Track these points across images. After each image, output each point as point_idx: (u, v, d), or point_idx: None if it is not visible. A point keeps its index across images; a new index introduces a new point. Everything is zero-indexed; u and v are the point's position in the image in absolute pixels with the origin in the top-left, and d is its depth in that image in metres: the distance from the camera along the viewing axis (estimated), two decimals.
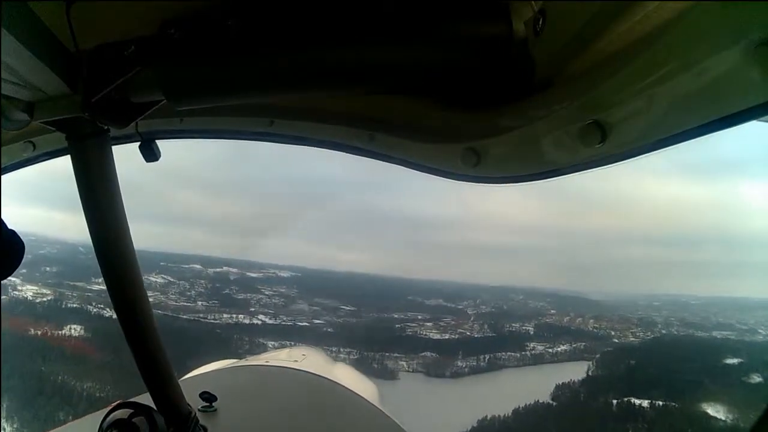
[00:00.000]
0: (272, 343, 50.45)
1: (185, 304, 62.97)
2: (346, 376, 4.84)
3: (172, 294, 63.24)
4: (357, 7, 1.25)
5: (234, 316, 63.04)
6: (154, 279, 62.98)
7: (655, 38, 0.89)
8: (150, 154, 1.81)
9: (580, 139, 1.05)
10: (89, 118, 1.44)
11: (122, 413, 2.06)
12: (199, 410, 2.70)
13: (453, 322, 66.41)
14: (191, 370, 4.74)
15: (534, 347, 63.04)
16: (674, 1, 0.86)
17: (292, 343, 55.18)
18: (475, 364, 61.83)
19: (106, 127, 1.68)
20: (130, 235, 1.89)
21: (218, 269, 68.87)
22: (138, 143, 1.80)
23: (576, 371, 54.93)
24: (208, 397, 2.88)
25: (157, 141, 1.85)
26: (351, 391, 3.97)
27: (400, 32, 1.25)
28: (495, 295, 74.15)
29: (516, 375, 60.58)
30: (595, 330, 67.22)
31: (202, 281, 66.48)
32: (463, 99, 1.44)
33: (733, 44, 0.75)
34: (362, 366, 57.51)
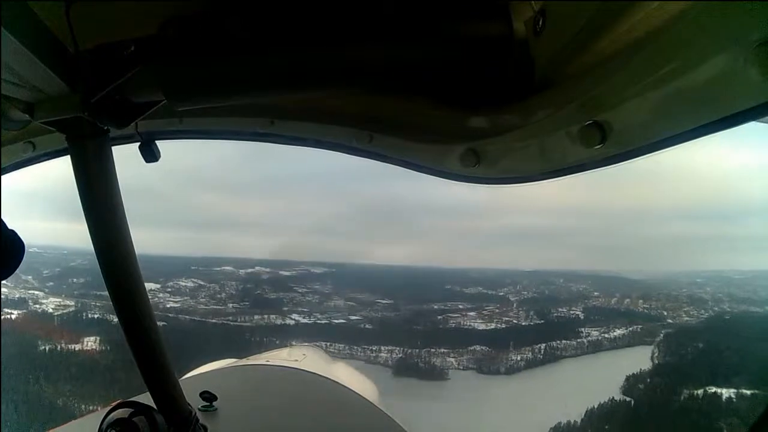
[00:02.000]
0: (305, 344, 45.51)
1: (215, 307, 60.37)
2: (346, 376, 4.86)
3: (201, 298, 61.24)
4: (357, 7, 1.25)
5: (265, 317, 59.31)
6: (183, 283, 60.40)
7: (655, 38, 0.89)
8: (150, 154, 1.81)
9: (580, 139, 1.06)
10: (89, 118, 1.45)
11: (122, 412, 2.07)
12: (199, 410, 2.70)
13: (497, 310, 61.59)
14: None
15: (588, 333, 57.45)
16: (674, 0, 0.85)
17: (328, 344, 50.74)
18: (529, 356, 55.87)
19: (106, 128, 1.67)
20: (130, 236, 1.87)
21: (250, 269, 65.93)
22: (138, 143, 1.80)
23: (641, 358, 49.76)
24: (208, 397, 2.87)
25: (157, 141, 1.84)
26: (351, 390, 3.94)
27: (399, 32, 1.26)
28: (534, 279, 69.17)
29: (576, 366, 54.23)
30: (645, 311, 61.57)
31: (233, 283, 63.74)
32: (463, 99, 1.44)
33: (733, 44, 0.74)
34: (408, 366, 53.36)
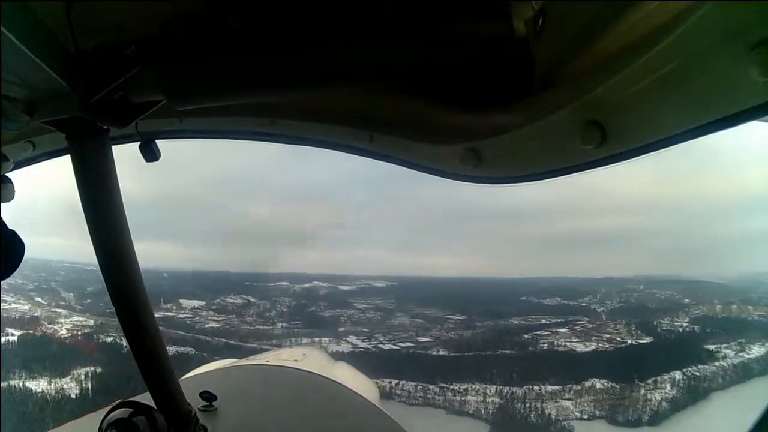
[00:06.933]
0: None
1: (261, 327, 52.15)
2: (346, 376, 4.80)
3: (247, 317, 51.97)
4: (357, 7, 1.25)
5: (316, 340, 47.24)
6: (231, 300, 52.42)
7: (655, 38, 0.87)
8: (150, 154, 1.79)
9: (580, 139, 1.05)
10: (89, 118, 1.47)
11: (122, 412, 2.05)
12: (199, 410, 2.65)
13: (590, 325, 48.21)
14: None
15: (723, 353, 42.88)
16: (674, 1, 0.83)
17: (394, 382, 37.80)
18: (668, 390, 40.66)
19: (106, 127, 1.68)
20: (130, 235, 1.87)
21: (307, 284, 57.34)
22: (138, 143, 1.81)
23: None
24: (208, 397, 2.79)
25: (157, 141, 1.85)
26: (351, 390, 3.84)
27: (400, 32, 1.24)
28: (612, 287, 55.72)
29: (740, 406, 39.73)
30: (763, 318, 46.69)
31: (286, 299, 55.15)
32: (463, 99, 1.42)
33: (733, 44, 0.74)
34: (512, 419, 38.91)
